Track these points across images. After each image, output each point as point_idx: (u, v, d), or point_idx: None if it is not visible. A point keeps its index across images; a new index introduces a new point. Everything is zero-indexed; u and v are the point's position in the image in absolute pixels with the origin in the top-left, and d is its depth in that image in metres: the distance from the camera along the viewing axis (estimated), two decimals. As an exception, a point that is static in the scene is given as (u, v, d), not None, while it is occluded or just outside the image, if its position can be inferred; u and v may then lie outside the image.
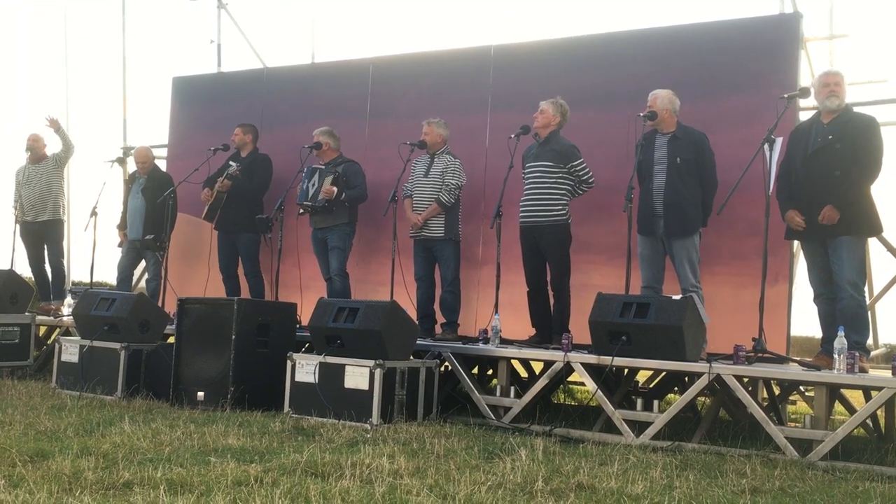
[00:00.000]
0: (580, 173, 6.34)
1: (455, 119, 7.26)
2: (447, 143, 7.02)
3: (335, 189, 7.13)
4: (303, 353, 5.92)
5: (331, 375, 5.55)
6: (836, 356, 4.93)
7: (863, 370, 5.06)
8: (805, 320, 6.50)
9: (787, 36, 6.52)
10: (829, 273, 5.47)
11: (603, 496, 3.57)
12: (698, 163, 5.95)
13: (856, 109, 5.69)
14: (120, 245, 8.54)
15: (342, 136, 7.63)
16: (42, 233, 8.65)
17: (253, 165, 7.84)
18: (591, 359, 5.47)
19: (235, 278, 7.99)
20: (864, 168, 5.37)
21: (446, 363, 6.09)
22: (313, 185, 7.27)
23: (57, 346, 6.73)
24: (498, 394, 5.89)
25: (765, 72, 6.46)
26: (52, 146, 8.86)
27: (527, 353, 6.12)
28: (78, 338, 6.70)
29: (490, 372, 7.78)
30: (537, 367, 7.35)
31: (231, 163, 7.73)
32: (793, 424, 5.84)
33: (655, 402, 5.33)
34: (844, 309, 5.35)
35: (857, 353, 5.00)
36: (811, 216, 5.45)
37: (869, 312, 6.39)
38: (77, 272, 10.25)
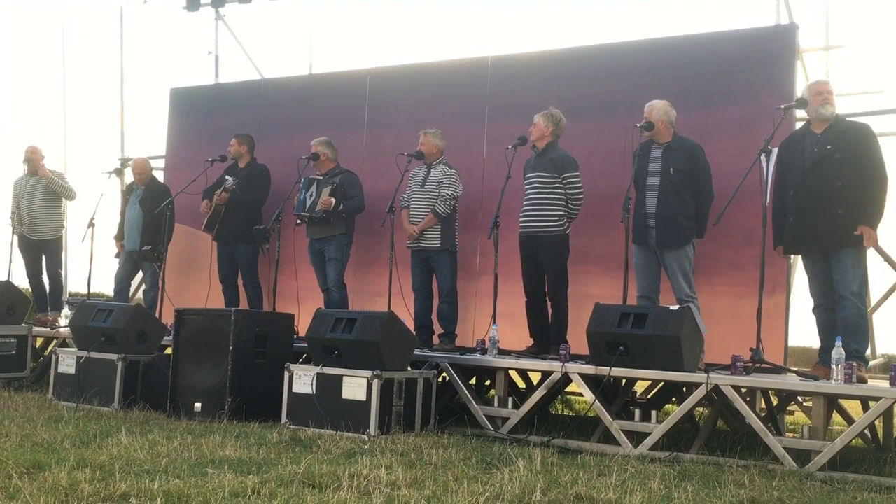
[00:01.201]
0: (570, 185, 6.32)
1: (452, 129, 7.28)
2: (444, 153, 7.02)
3: (333, 200, 7.13)
4: (300, 363, 5.90)
5: (328, 386, 5.54)
6: (833, 366, 4.93)
7: (861, 380, 5.06)
8: (803, 330, 6.50)
9: (782, 47, 6.55)
10: (830, 284, 5.46)
11: (601, 507, 3.57)
12: (692, 173, 5.95)
13: (852, 119, 5.70)
14: (117, 256, 8.53)
15: (339, 147, 7.64)
16: (41, 246, 8.65)
17: (251, 176, 7.85)
18: (589, 369, 5.46)
19: (235, 288, 7.99)
20: (878, 182, 5.34)
21: (444, 374, 6.09)
22: (311, 195, 7.27)
23: (54, 357, 6.71)
24: (496, 404, 5.88)
25: (761, 82, 6.49)
26: (51, 160, 8.89)
27: (524, 363, 6.11)
28: (75, 349, 6.68)
29: (488, 382, 7.77)
30: (535, 377, 7.35)
31: (227, 177, 7.73)
32: (791, 435, 5.82)
33: (653, 413, 5.33)
34: (846, 318, 5.34)
35: (855, 363, 5.00)
36: (813, 227, 5.44)
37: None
38: (74, 283, 10.23)
